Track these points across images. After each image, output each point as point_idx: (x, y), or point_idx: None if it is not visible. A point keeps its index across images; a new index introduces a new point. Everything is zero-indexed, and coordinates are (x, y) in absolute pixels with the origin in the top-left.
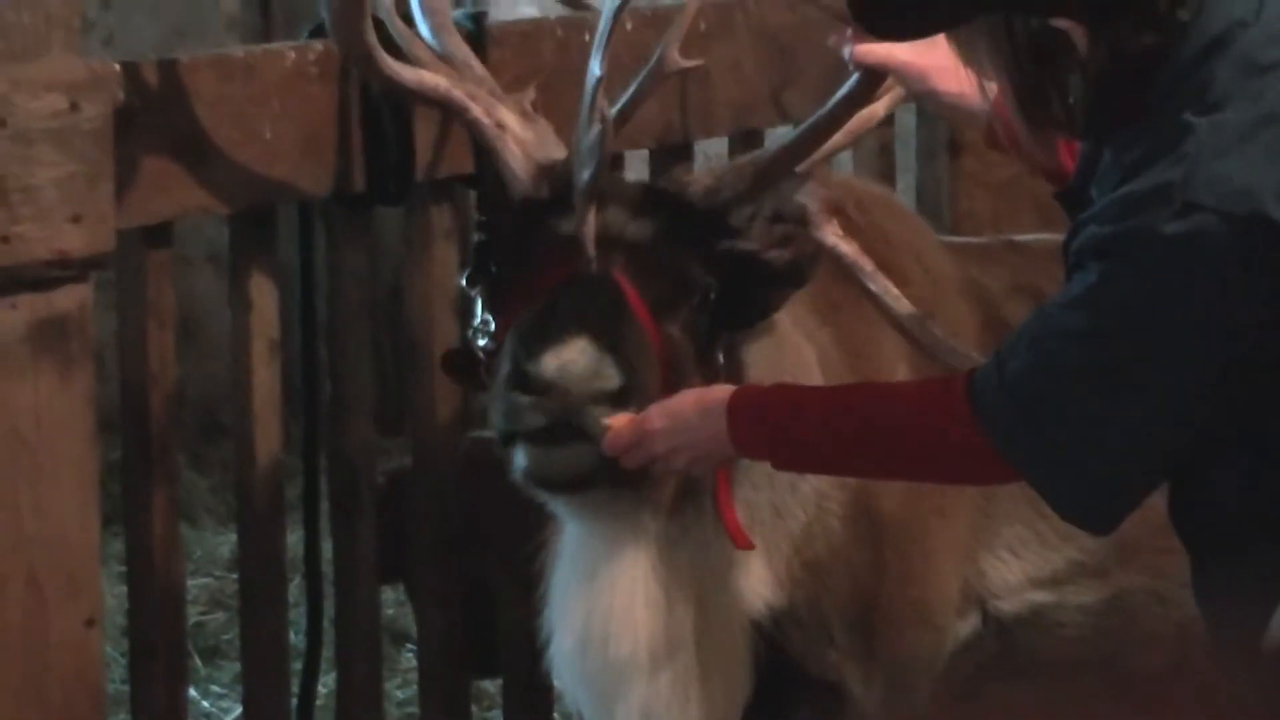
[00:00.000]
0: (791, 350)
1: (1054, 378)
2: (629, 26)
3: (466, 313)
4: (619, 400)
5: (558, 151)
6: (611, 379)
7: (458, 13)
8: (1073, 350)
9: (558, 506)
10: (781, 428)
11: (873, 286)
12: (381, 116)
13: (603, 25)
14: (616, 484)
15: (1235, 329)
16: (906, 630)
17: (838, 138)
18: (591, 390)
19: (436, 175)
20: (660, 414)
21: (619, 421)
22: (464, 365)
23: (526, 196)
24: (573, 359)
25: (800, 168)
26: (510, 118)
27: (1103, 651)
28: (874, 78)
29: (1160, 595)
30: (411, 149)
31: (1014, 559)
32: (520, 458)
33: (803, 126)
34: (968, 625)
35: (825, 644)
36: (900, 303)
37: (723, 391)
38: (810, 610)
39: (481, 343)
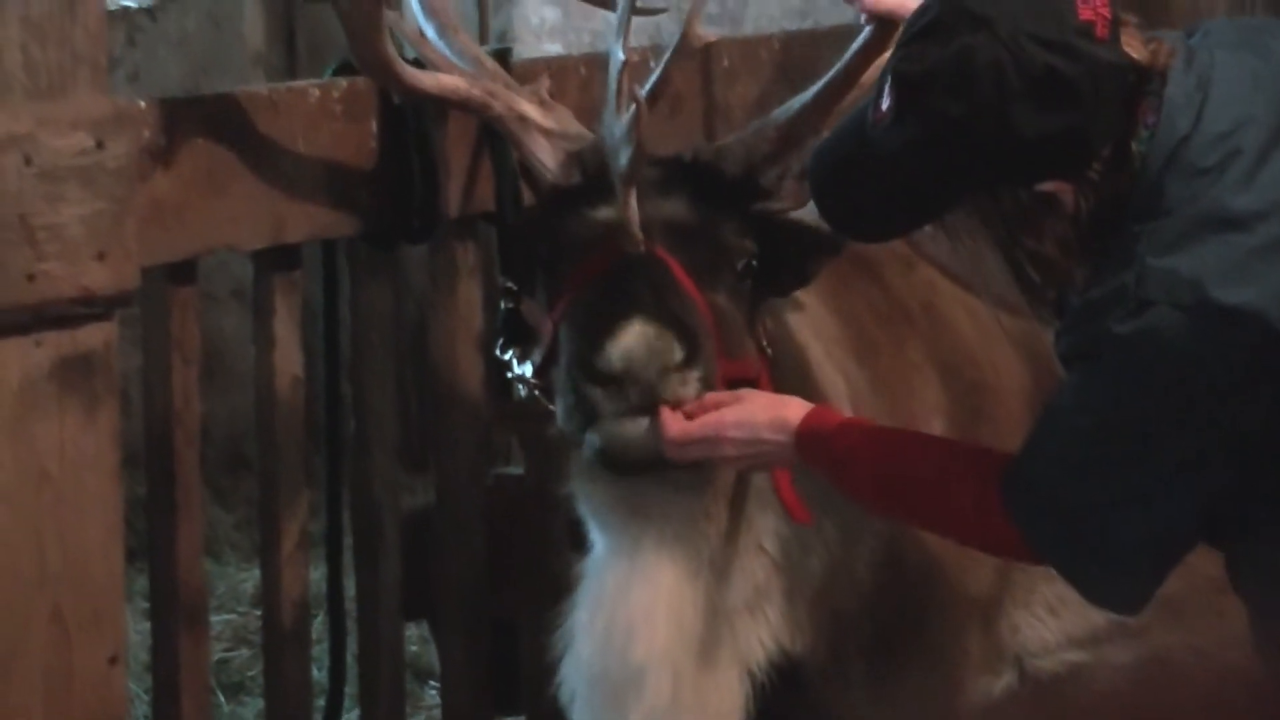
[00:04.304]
0: (820, 371)
1: (1065, 475)
2: (652, 64)
3: (499, 366)
4: (686, 367)
5: (581, 135)
6: (674, 351)
7: (482, 49)
8: (1075, 449)
9: (618, 505)
10: (841, 464)
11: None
12: (407, 154)
13: (621, 10)
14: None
15: (1215, 411)
16: (922, 679)
17: (856, 92)
18: (659, 367)
19: (461, 212)
20: (735, 421)
21: (689, 406)
22: (521, 415)
23: (557, 184)
24: (634, 342)
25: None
26: (530, 109)
27: (1139, 703)
28: (887, 28)
29: (1203, 651)
30: (437, 186)
31: (1051, 618)
32: (596, 440)
33: (821, 83)
34: (1001, 682)
35: (844, 687)
36: (940, 242)
37: (796, 409)
38: (831, 655)
39: (523, 389)
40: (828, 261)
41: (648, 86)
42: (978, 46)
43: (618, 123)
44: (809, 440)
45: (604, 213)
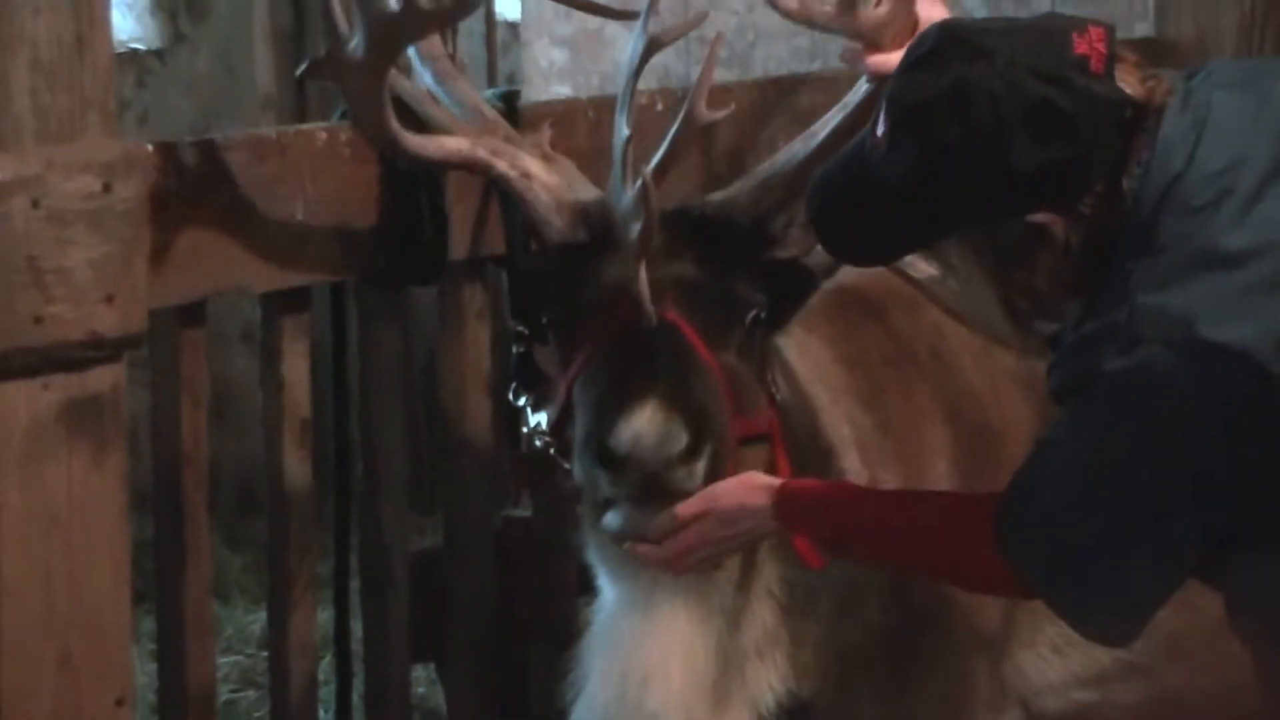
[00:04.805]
0: (825, 418)
1: (1057, 510)
2: (659, 108)
3: (510, 411)
4: (692, 455)
5: (586, 190)
6: (681, 439)
7: (489, 92)
8: (1066, 484)
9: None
10: (824, 531)
11: (911, 271)
12: (414, 196)
13: (624, 85)
14: None
15: (1206, 448)
16: (929, 718)
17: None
18: (666, 456)
19: (469, 255)
20: (717, 524)
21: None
22: (540, 463)
23: (564, 241)
24: (643, 429)
25: None
26: (533, 164)
27: None
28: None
29: (1209, 693)
30: (444, 229)
31: (1056, 657)
32: (614, 521)
33: (824, 131)
34: None
35: None
36: (938, 283)
37: (762, 496)
38: (839, 696)
39: (539, 442)
40: (816, 290)
41: (655, 160)
42: (974, 77)
43: (625, 194)
44: (786, 516)
45: (613, 270)
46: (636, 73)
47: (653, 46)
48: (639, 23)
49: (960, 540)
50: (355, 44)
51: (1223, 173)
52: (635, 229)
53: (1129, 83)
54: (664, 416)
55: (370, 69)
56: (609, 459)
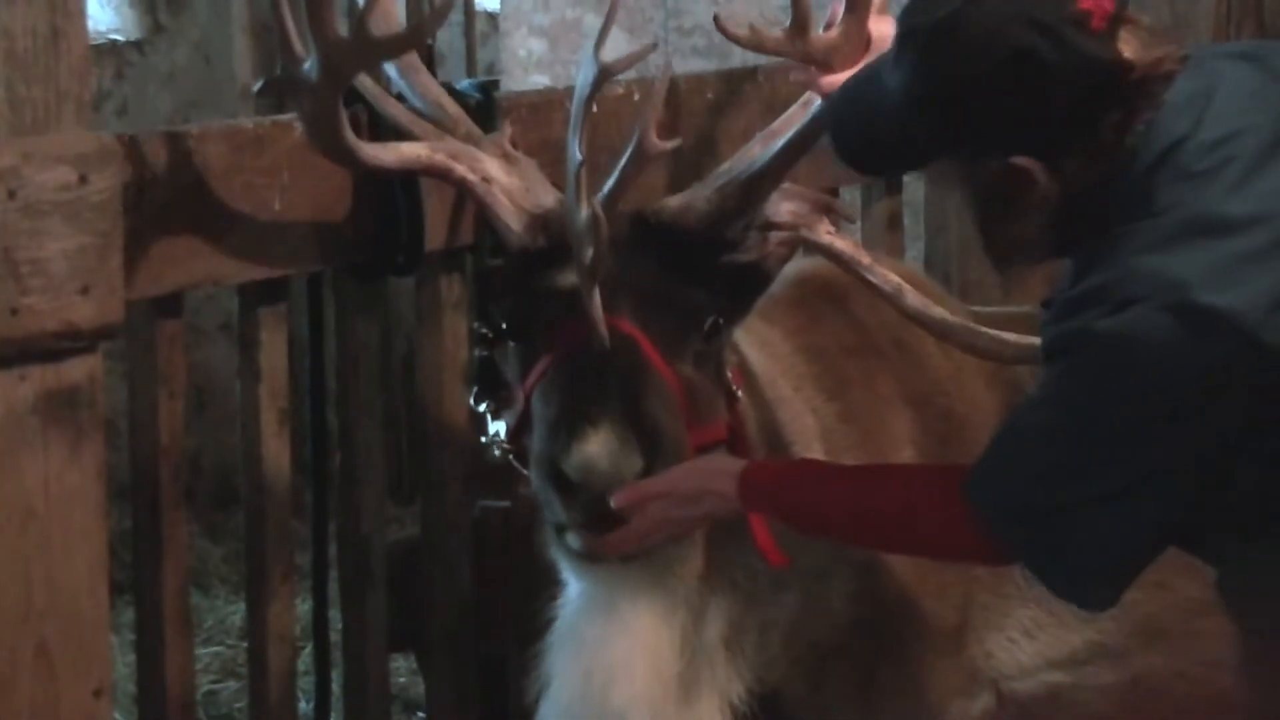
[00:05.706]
0: (785, 410)
1: (1031, 475)
2: (636, 97)
3: (479, 424)
4: (645, 477)
5: (546, 193)
6: (634, 464)
7: (466, 82)
8: (1042, 447)
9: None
10: (787, 509)
11: (872, 278)
12: (391, 186)
13: (575, 112)
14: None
15: (1188, 415)
16: (900, 705)
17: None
18: (619, 481)
19: (446, 245)
20: (677, 505)
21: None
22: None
23: (524, 248)
24: (595, 454)
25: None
26: (493, 166)
27: None
28: None
29: (1186, 675)
30: (421, 219)
31: (1027, 640)
32: (574, 544)
33: (782, 142)
34: (977, 705)
35: (824, 714)
36: (902, 291)
37: (728, 479)
38: (810, 684)
39: (498, 451)
40: (766, 289)
41: (605, 190)
42: (969, 12)
43: (579, 219)
44: (751, 498)
45: (571, 278)
46: (588, 101)
47: (604, 75)
48: (589, 52)
49: (928, 508)
50: (309, 66)
51: (1224, 141)
52: (588, 255)
53: (1133, 46)
54: (617, 441)
55: (323, 91)
56: (562, 483)
